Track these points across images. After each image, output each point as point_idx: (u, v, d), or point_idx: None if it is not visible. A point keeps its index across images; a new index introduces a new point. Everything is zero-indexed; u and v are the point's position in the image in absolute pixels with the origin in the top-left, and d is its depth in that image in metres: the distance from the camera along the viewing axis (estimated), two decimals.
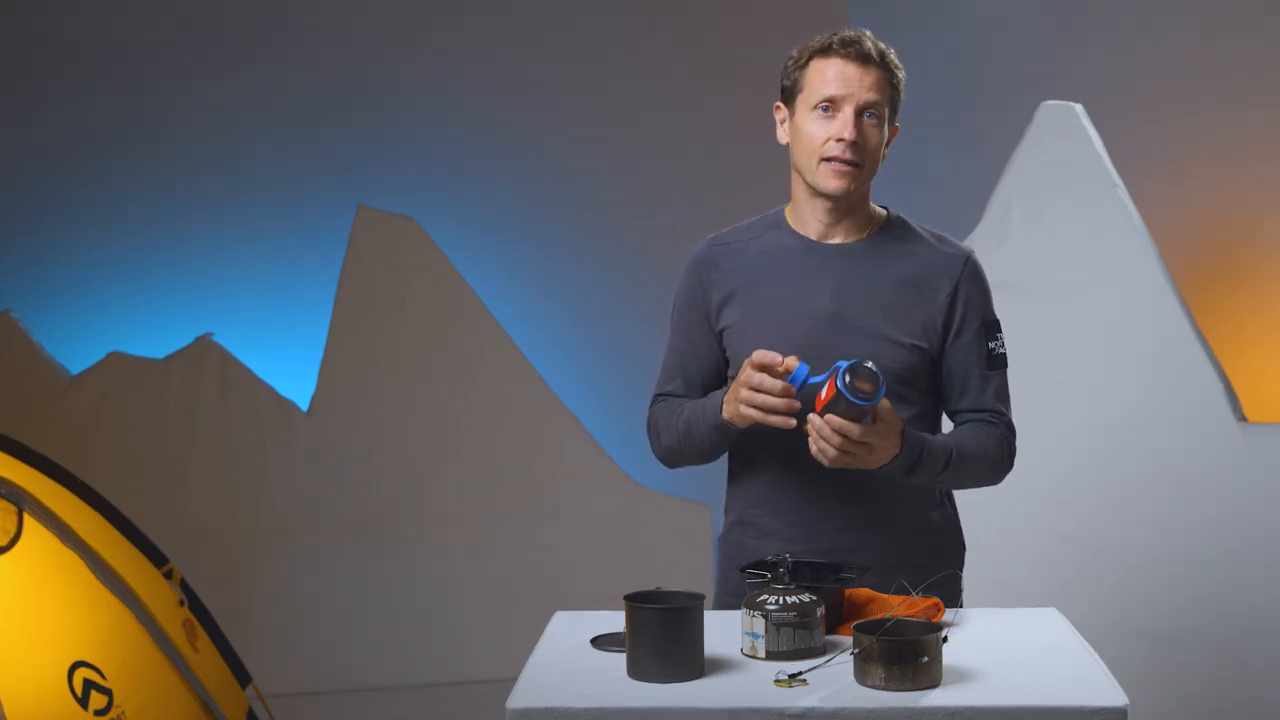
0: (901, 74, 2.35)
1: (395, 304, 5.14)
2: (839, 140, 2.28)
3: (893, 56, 2.34)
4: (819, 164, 2.31)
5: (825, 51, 2.31)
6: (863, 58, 2.29)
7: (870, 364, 2.10)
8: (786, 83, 2.37)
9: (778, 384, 2.15)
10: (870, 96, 2.29)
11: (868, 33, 2.33)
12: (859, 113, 2.29)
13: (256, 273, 5.49)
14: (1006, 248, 3.84)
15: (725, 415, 2.26)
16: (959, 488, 2.39)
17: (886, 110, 2.32)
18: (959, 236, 2.50)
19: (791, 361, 2.16)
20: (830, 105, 2.30)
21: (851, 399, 2.08)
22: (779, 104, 2.40)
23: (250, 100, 5.51)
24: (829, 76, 2.30)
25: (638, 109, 5.83)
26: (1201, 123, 4.26)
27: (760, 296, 2.38)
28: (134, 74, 5.42)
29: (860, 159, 2.30)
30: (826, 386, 2.12)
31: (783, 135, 2.40)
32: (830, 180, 2.31)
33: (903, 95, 2.36)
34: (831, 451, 2.13)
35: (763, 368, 2.16)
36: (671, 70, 5.84)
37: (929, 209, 2.65)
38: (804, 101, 2.33)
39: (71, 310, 5.35)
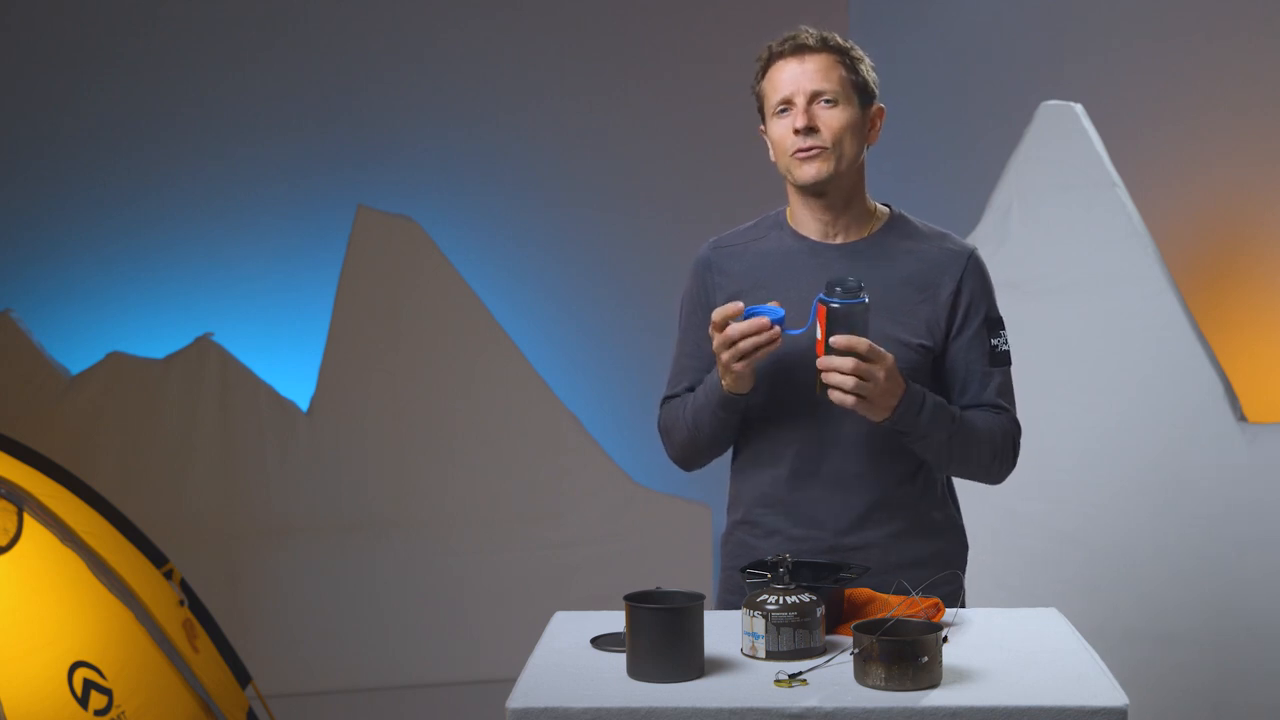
0: (856, 53, 2.37)
1: (395, 304, 5.13)
2: (795, 131, 2.31)
3: (837, 40, 2.36)
4: (791, 160, 2.34)
5: (770, 60, 2.37)
6: (799, 50, 2.33)
7: (841, 277, 2.16)
8: (756, 102, 2.42)
9: (746, 324, 2.17)
10: (815, 84, 2.32)
11: (809, 28, 2.36)
12: (810, 101, 2.32)
13: (256, 273, 5.49)
14: (1006, 248, 3.84)
15: (726, 387, 2.27)
16: (964, 467, 2.36)
17: (847, 89, 2.33)
18: (959, 236, 2.50)
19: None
20: (786, 106, 2.34)
21: (844, 301, 2.13)
22: (761, 126, 2.43)
23: (251, 101, 5.51)
24: (778, 80, 2.35)
25: (638, 109, 5.84)
26: (1202, 123, 4.26)
27: (764, 298, 2.38)
28: (134, 74, 5.42)
29: (823, 142, 2.31)
30: (818, 323, 2.16)
31: (771, 152, 2.42)
32: (801, 170, 2.34)
33: (866, 75, 2.37)
34: (849, 380, 2.14)
35: (725, 320, 2.19)
36: (672, 71, 5.84)
37: (929, 209, 2.64)
38: (768, 111, 2.38)
39: (71, 310, 5.36)
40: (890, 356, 2.18)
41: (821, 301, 2.15)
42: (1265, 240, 4.08)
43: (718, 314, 2.20)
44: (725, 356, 2.20)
